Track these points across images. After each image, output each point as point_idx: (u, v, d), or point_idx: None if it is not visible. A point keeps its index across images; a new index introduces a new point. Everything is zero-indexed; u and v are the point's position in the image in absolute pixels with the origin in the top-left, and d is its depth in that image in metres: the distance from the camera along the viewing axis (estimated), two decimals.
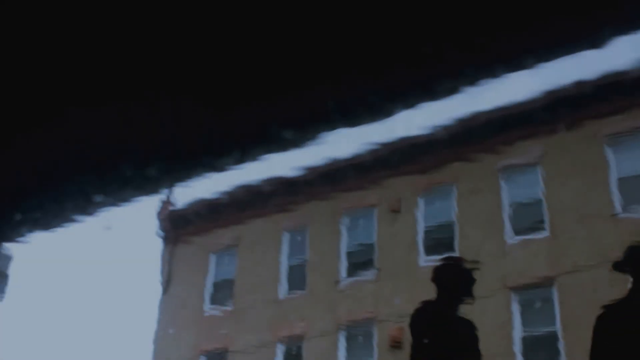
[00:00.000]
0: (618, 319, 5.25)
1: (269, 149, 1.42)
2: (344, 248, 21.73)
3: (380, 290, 20.33)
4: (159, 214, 25.14)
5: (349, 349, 20.46)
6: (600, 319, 5.33)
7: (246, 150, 1.44)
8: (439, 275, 5.88)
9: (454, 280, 5.83)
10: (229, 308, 22.99)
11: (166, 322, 23.98)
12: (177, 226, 24.89)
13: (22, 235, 1.64)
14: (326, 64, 1.33)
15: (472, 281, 5.85)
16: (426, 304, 5.81)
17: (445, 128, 20.30)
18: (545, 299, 18.14)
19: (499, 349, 17.85)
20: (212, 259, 24.23)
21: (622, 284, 16.17)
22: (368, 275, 20.85)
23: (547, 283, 18.05)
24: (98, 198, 1.55)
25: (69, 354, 58.23)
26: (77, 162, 1.52)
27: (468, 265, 6.00)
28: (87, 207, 1.56)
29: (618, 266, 5.60)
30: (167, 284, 24.50)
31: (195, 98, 1.41)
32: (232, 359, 22.00)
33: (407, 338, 19.11)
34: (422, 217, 20.81)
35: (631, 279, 5.40)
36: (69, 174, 1.53)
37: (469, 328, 5.96)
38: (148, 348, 23.90)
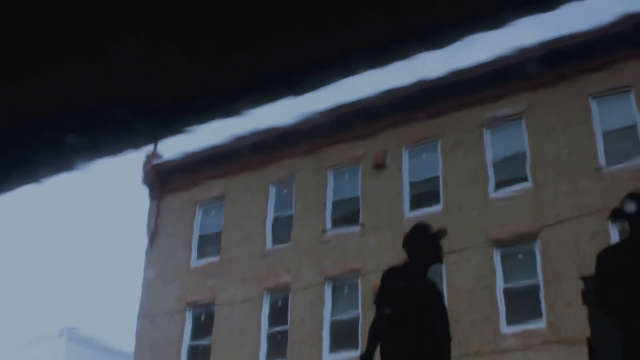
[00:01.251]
0: (617, 258, 5.32)
1: (255, 101, 1.42)
2: (329, 201, 21.79)
3: (365, 243, 20.45)
4: (145, 167, 25.07)
5: (334, 301, 20.62)
6: (600, 257, 5.40)
7: (233, 103, 1.44)
8: (409, 242, 6.07)
9: (423, 247, 6.03)
10: (215, 260, 23.07)
11: (153, 275, 24.05)
12: (163, 179, 24.86)
13: (7, 189, 1.64)
14: (320, 9, 1.31)
15: (439, 248, 6.09)
16: (394, 270, 5.95)
17: (429, 82, 20.28)
18: (528, 252, 18.29)
19: (481, 300, 18.06)
20: (199, 212, 24.26)
21: (603, 237, 16.38)
22: (353, 228, 20.95)
23: (529, 236, 18.19)
24: (83, 151, 1.54)
25: (55, 306, 58.50)
26: (62, 116, 1.52)
27: (437, 232, 6.06)
28: (72, 160, 1.56)
29: (616, 214, 5.64)
30: (153, 236, 24.53)
31: (182, 49, 1.40)
32: (219, 311, 22.14)
33: None
34: (407, 171, 20.86)
35: (629, 227, 5.45)
36: (54, 127, 1.52)
37: (435, 292, 6.29)
38: (135, 300, 24.04)
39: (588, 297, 5.78)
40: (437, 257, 6.21)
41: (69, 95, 1.48)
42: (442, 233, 6.19)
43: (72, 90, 1.48)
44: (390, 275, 6.06)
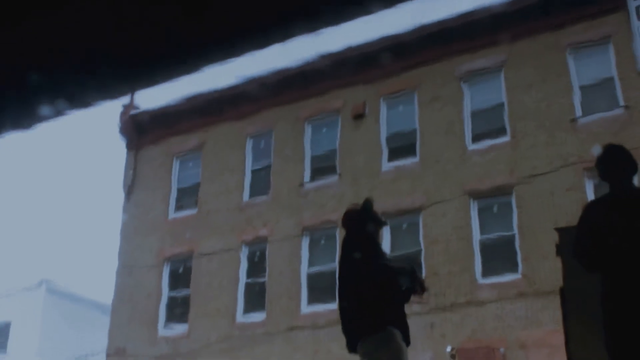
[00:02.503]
0: (602, 211, 5.39)
1: (233, 52, 1.41)
2: (307, 153, 21.79)
3: (342, 195, 20.49)
4: (122, 118, 24.91)
5: (312, 253, 20.73)
6: (587, 209, 5.47)
7: (211, 53, 1.43)
8: (345, 220, 6.47)
9: (357, 224, 6.29)
10: (193, 212, 23.08)
11: (130, 227, 24.05)
12: (140, 131, 24.73)
13: None
14: None
15: (373, 221, 6.35)
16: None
17: (407, 34, 20.21)
18: (504, 204, 18.42)
19: (458, 251, 18.22)
20: (176, 164, 24.19)
21: (579, 189, 16.49)
22: (331, 179, 20.99)
23: (506, 188, 18.31)
24: (58, 103, 1.54)
25: (33, 258, 58.38)
26: (37, 67, 1.51)
27: (365, 204, 6.42)
28: (47, 111, 1.55)
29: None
30: (130, 188, 24.47)
31: None
32: (197, 263, 22.21)
33: None
34: (384, 123, 20.86)
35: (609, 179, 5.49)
36: (28, 79, 1.52)
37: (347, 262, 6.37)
38: (113, 253, 24.05)
39: (562, 248, 5.86)
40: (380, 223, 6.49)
41: (43, 47, 1.48)
42: (368, 203, 6.44)
43: (47, 41, 1.47)
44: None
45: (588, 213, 5.43)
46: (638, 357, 4.96)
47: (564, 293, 5.86)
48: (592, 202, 5.61)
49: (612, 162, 5.45)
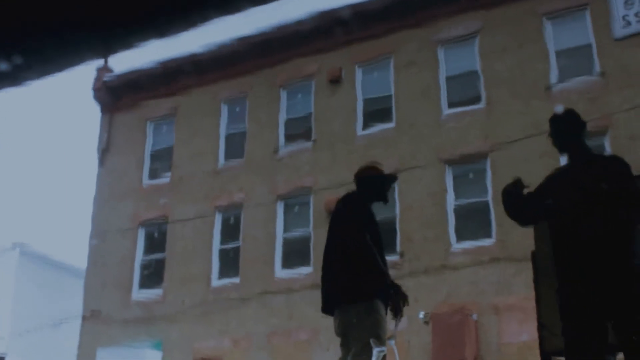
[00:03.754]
0: (558, 180, 5.49)
1: (210, 14, 1.40)
2: (282, 118, 21.74)
3: (317, 160, 20.52)
4: (96, 83, 24.72)
5: (286, 218, 20.77)
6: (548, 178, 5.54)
7: (185, 16, 1.42)
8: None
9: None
10: (167, 178, 23.01)
11: (104, 192, 23.95)
12: (114, 95, 24.55)
13: None
14: None
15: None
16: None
17: None
18: (479, 170, 18.52)
19: (433, 217, 18.33)
20: (150, 129, 24.06)
21: (552, 156, 16.68)
22: (306, 144, 20.98)
23: (480, 154, 18.39)
24: (30, 66, 1.53)
25: (7, 221, 58.01)
26: (8, 30, 1.49)
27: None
28: (20, 75, 1.54)
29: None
30: (104, 153, 24.33)
31: None
32: (171, 228, 22.19)
33: None
34: (360, 88, 20.84)
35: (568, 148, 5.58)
36: (4, 40, 1.50)
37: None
38: (87, 218, 23.97)
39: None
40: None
41: (14, 9, 1.46)
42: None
43: (18, 3, 1.45)
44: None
45: (545, 181, 5.56)
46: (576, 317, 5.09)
47: (535, 257, 5.93)
48: (554, 171, 5.69)
49: (559, 134, 5.55)
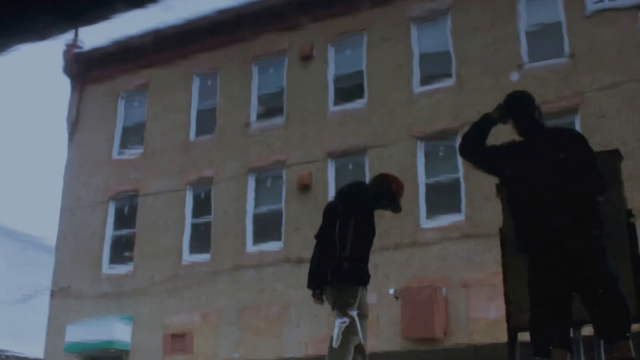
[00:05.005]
0: (511, 151, 5.58)
1: None
2: (254, 93, 21.67)
3: (289, 135, 20.49)
4: (65, 56, 24.47)
5: (257, 193, 20.75)
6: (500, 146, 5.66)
7: None
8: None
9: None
10: (138, 152, 22.88)
11: (74, 166, 23.79)
12: (85, 69, 24.33)
13: None
14: None
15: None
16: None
17: None
18: (449, 147, 18.58)
19: (405, 193, 18.38)
20: (121, 103, 23.90)
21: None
22: (278, 120, 20.93)
23: (451, 132, 18.44)
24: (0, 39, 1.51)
25: None
26: None
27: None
28: None
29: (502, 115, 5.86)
30: (74, 127, 24.14)
31: None
32: (142, 203, 22.10)
33: (315, 181, 19.53)
34: (332, 64, 20.79)
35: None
36: None
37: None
38: (57, 192, 23.80)
39: (501, 189, 5.97)
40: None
41: None
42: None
43: None
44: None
45: (501, 148, 5.71)
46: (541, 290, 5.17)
47: (503, 233, 5.97)
48: (510, 141, 5.77)
49: (513, 114, 5.62)
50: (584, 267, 5.10)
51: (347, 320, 6.25)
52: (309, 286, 6.87)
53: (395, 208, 7.08)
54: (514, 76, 17.87)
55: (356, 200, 6.80)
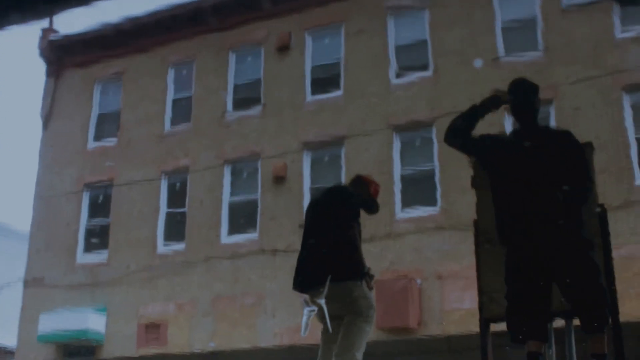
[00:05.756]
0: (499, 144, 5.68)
1: None
2: (231, 83, 21.59)
3: (265, 126, 20.46)
4: (41, 43, 24.28)
5: (233, 183, 20.70)
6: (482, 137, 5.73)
7: None
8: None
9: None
10: (113, 141, 22.75)
11: (49, 155, 23.62)
12: (60, 56, 24.13)
13: None
14: None
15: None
16: None
17: None
18: (425, 139, 18.64)
19: (379, 184, 18.41)
20: (96, 92, 23.74)
21: (499, 126, 16.75)
22: (254, 110, 20.88)
23: (427, 123, 18.49)
24: None
25: None
26: None
27: None
28: None
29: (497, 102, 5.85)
30: (49, 115, 23.96)
31: None
32: (117, 192, 21.99)
33: (290, 173, 19.59)
34: (310, 55, 20.76)
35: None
36: None
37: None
38: (31, 181, 23.63)
39: (476, 180, 6.00)
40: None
41: None
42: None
43: None
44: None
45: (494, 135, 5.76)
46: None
47: (477, 225, 6.01)
48: (499, 134, 5.81)
49: (520, 100, 5.63)
50: (564, 259, 5.14)
51: (315, 308, 6.30)
52: (301, 287, 6.68)
53: (373, 209, 7.16)
54: (478, 63, 17.96)
55: (356, 202, 6.91)
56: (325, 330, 6.49)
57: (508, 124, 15.34)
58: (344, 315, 6.44)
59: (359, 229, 6.77)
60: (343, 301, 6.41)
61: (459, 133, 5.67)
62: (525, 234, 5.22)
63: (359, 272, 6.51)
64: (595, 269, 5.15)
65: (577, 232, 5.21)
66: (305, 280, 6.58)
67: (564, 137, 5.57)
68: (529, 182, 5.26)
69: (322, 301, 6.28)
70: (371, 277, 6.65)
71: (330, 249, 6.47)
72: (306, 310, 6.35)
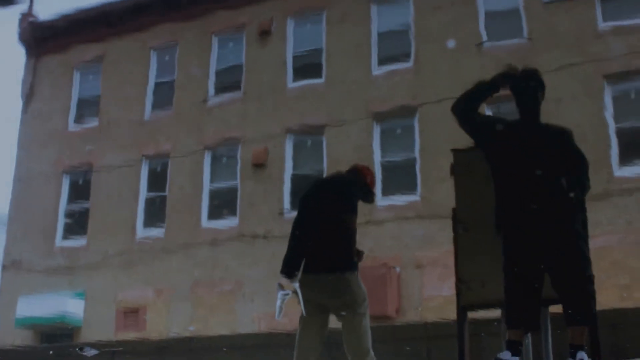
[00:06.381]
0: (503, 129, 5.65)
1: None
2: (212, 68, 21.50)
3: (246, 111, 20.40)
4: (21, 25, 24.09)
5: (213, 168, 20.64)
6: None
7: None
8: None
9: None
10: (94, 125, 22.63)
11: (28, 137, 23.49)
12: (40, 39, 23.95)
13: None
14: None
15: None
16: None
17: None
18: (407, 127, 18.64)
19: None
20: (77, 75, 23.58)
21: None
22: (235, 96, 20.81)
23: (409, 111, 18.50)
24: None
25: None
26: None
27: None
28: None
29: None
30: (29, 98, 23.80)
31: None
32: (96, 176, 21.88)
33: (271, 159, 19.53)
34: (291, 41, 20.70)
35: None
36: None
37: None
38: (10, 164, 23.48)
39: (456, 168, 6.01)
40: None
41: None
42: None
43: None
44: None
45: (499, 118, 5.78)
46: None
47: (456, 213, 6.01)
48: (502, 119, 5.81)
49: (528, 90, 5.65)
50: (557, 249, 5.17)
51: (289, 292, 6.34)
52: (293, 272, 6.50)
53: (369, 200, 7.23)
54: (451, 43, 17.97)
55: (356, 194, 6.96)
56: (302, 315, 6.49)
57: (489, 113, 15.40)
58: (335, 307, 6.48)
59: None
60: (338, 292, 6.44)
61: (465, 108, 5.62)
62: (524, 222, 5.23)
63: (354, 263, 6.65)
64: (585, 261, 5.19)
65: (570, 224, 5.24)
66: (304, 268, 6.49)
67: (565, 134, 5.61)
68: (533, 172, 5.27)
69: (296, 285, 6.29)
70: (361, 252, 6.86)
71: (331, 240, 6.49)
72: (280, 294, 6.38)
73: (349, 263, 6.60)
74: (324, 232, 6.50)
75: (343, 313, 6.46)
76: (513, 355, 5.11)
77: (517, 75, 5.71)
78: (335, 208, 6.65)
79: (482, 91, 5.71)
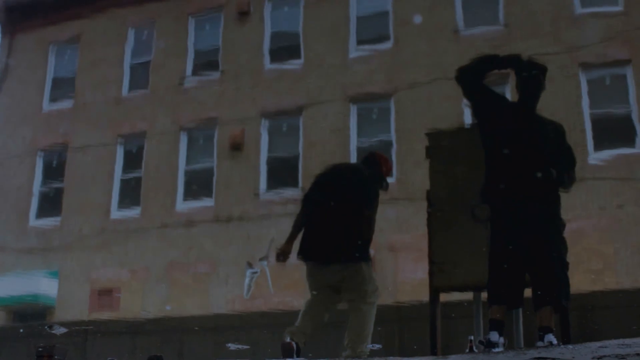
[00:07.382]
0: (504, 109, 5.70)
1: None
2: (190, 48, 21.37)
3: (223, 92, 20.33)
4: None
5: (189, 150, 20.57)
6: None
7: None
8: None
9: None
10: (69, 105, 22.45)
11: (2, 118, 23.27)
12: (14, 17, 23.66)
13: None
14: None
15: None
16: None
17: None
18: (383, 109, 18.66)
19: (335, 154, 18.43)
20: (52, 54, 23.35)
21: (456, 100, 16.76)
22: (212, 76, 20.72)
23: (385, 94, 18.52)
24: None
25: None
26: None
27: None
28: None
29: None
30: (3, 78, 23.55)
31: None
32: (71, 156, 21.73)
33: (247, 140, 19.45)
34: (269, 22, 20.62)
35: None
36: None
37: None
38: None
39: (431, 151, 6.03)
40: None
41: None
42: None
43: None
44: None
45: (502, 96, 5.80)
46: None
47: (430, 196, 6.05)
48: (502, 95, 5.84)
49: (534, 80, 5.68)
50: (538, 232, 5.21)
51: (258, 270, 6.42)
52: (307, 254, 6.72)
53: (383, 188, 7.18)
54: (418, 19, 17.99)
55: (375, 184, 6.99)
56: (311, 297, 6.62)
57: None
58: (347, 293, 6.61)
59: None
60: (352, 281, 6.58)
61: (479, 75, 5.61)
62: (512, 204, 5.26)
63: (368, 254, 6.81)
64: (560, 248, 5.26)
65: (556, 211, 5.34)
66: (321, 254, 6.69)
67: (559, 129, 5.72)
68: (527, 158, 5.31)
69: (264, 263, 6.35)
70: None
71: (347, 230, 6.60)
72: (248, 272, 6.45)
73: (363, 254, 6.72)
74: (341, 221, 6.61)
75: (353, 299, 6.58)
76: (500, 336, 5.17)
77: (525, 62, 5.72)
78: (353, 199, 6.72)
79: (487, 63, 5.71)
